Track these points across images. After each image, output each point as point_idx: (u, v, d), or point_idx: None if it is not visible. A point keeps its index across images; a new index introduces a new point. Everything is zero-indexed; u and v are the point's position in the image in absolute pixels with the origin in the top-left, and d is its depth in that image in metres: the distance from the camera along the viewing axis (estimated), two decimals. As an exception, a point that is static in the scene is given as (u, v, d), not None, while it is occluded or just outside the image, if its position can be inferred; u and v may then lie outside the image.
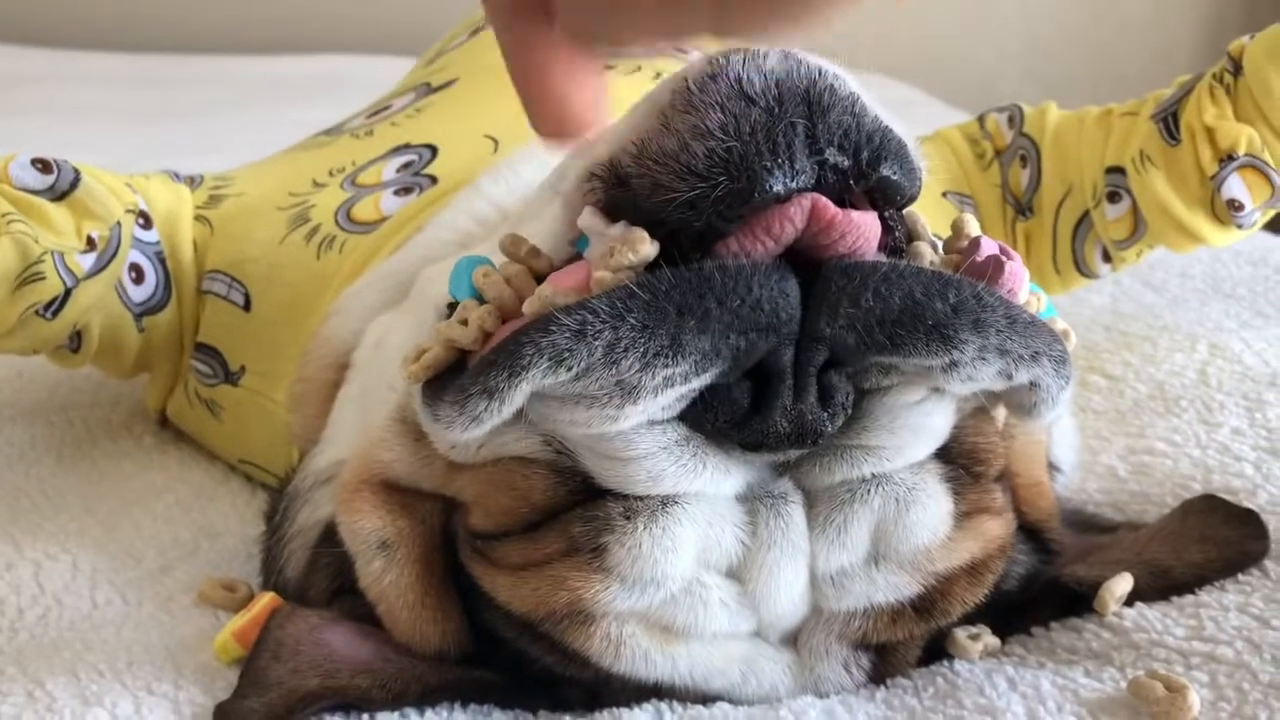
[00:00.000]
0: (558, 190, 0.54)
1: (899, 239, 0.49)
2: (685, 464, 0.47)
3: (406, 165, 0.78)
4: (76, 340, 0.74)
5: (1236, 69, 0.73)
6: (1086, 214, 0.80)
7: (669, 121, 0.46)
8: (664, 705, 0.51)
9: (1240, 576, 0.57)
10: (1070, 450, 0.69)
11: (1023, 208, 0.83)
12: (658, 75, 0.84)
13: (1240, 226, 0.75)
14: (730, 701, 0.52)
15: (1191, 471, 0.68)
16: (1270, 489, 0.64)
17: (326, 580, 0.58)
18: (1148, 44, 2.61)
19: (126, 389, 0.85)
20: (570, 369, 0.44)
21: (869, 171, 0.45)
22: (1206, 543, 0.59)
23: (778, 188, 0.44)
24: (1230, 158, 0.72)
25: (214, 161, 1.39)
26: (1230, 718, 0.46)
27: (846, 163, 0.44)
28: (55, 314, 0.70)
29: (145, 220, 0.76)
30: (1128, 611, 0.56)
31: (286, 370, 0.72)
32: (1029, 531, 0.59)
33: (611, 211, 0.47)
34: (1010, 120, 0.85)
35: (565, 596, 0.48)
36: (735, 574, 0.50)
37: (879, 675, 0.54)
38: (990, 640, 0.55)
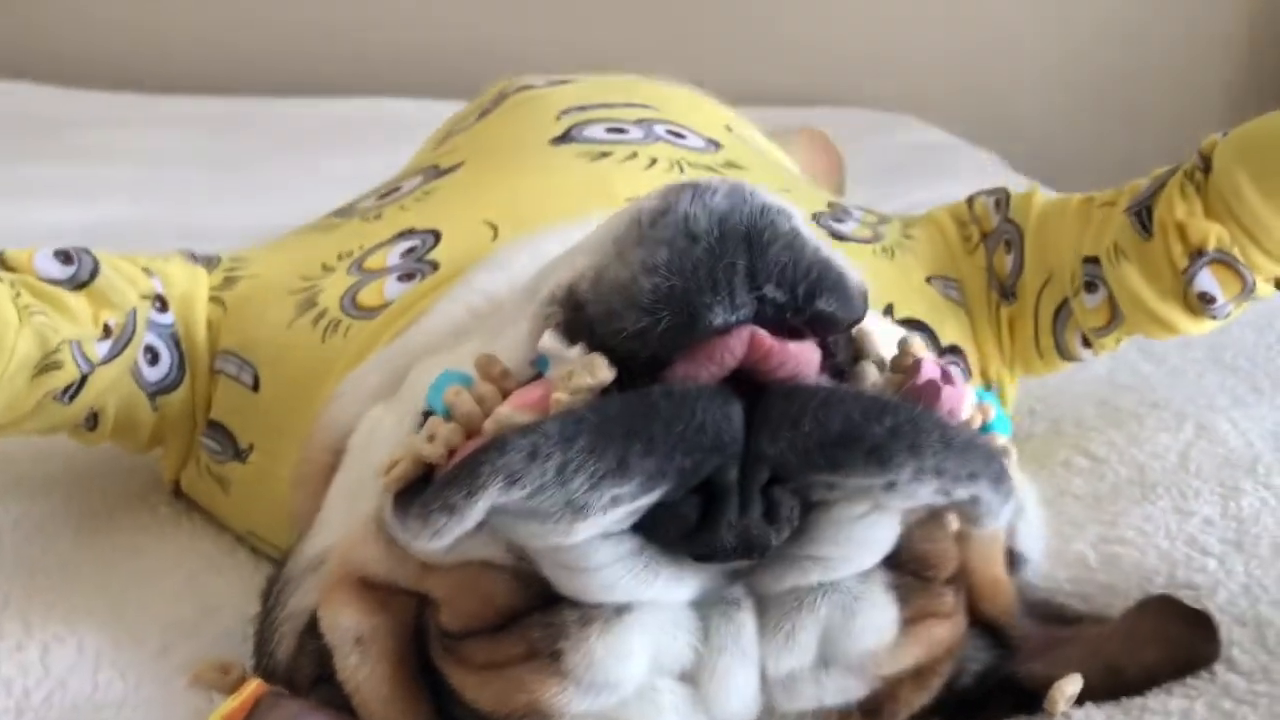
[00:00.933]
0: (531, 299, 0.57)
1: (841, 362, 0.51)
2: (638, 575, 0.50)
3: (410, 250, 0.81)
4: (93, 420, 0.78)
5: (1207, 167, 0.75)
6: (1066, 301, 0.82)
7: (623, 253, 0.49)
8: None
9: (1189, 679, 0.58)
10: (1039, 539, 0.70)
11: (1006, 292, 0.85)
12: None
13: (1214, 318, 0.77)
14: (686, 796, 0.54)
15: (1157, 564, 0.69)
16: (1230, 586, 0.66)
17: (311, 667, 0.61)
18: (1180, 86, 2.61)
19: (143, 460, 0.89)
20: (524, 488, 0.47)
21: (804, 306, 0.48)
22: (1159, 643, 0.61)
23: (717, 322, 0.47)
24: (1200, 253, 0.74)
25: (270, 210, 1.45)
26: (1156, 829, 0.48)
27: (783, 298, 0.47)
28: (72, 398, 0.74)
29: (162, 304, 0.80)
30: (1076, 712, 0.57)
31: (290, 450, 0.75)
32: (987, 627, 0.61)
33: (572, 334, 0.50)
34: (997, 204, 0.88)
35: (524, 698, 0.51)
36: (689, 677, 0.52)
37: (831, 771, 0.56)
38: (942, 737, 0.58)
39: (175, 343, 0.80)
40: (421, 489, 0.51)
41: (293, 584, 0.64)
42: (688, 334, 0.47)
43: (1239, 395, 0.97)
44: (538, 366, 0.51)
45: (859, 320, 0.51)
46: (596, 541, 0.49)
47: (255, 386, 0.79)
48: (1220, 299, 0.75)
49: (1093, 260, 0.80)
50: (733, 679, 0.52)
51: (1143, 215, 0.77)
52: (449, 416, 0.51)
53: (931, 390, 0.50)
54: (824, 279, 0.48)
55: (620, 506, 0.48)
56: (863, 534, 0.51)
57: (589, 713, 0.51)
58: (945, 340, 0.82)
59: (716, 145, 0.92)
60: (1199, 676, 0.59)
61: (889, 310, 0.81)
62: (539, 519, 0.48)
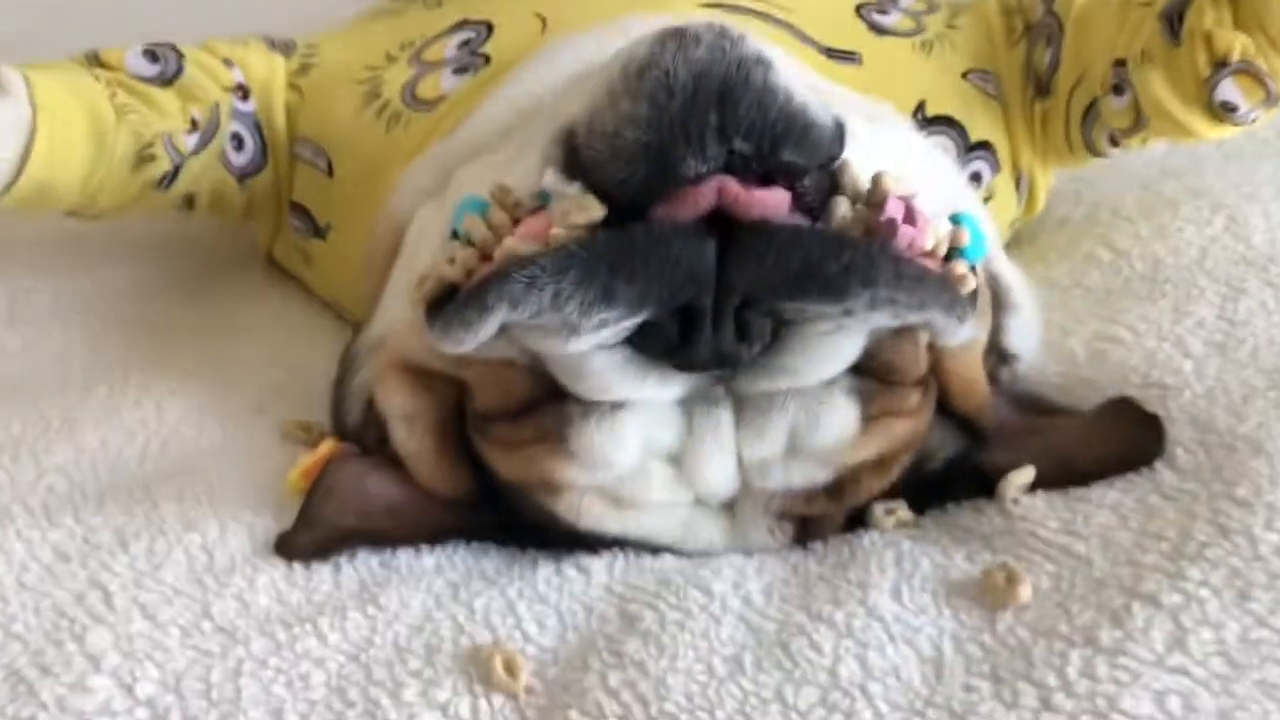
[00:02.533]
0: (551, 122, 0.64)
1: (811, 200, 0.57)
2: (629, 379, 0.59)
3: (465, 43, 0.86)
4: (190, 201, 0.88)
5: (1244, -28, 0.74)
6: (1095, 101, 0.84)
7: (613, 101, 0.55)
8: (619, 553, 0.64)
9: (1132, 475, 0.65)
10: (1032, 336, 0.76)
11: (1042, 88, 0.87)
12: None
13: (1237, 124, 0.78)
14: (676, 553, 0.65)
15: (1138, 364, 0.74)
16: (1197, 388, 0.71)
17: (375, 431, 0.72)
18: None
19: (242, 226, 0.99)
20: (525, 311, 0.55)
21: (770, 156, 0.53)
22: (1111, 440, 0.67)
23: (690, 173, 0.53)
24: (1224, 64, 0.75)
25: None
26: (1053, 607, 0.57)
27: (750, 150, 0.53)
28: (168, 186, 0.84)
29: (244, 93, 0.88)
30: (1025, 499, 0.65)
31: (361, 233, 0.84)
32: (961, 420, 0.69)
33: (570, 171, 0.57)
34: (1044, -6, 0.88)
35: (538, 472, 0.62)
36: (675, 459, 0.62)
37: (801, 538, 0.66)
38: (904, 515, 0.67)
39: (258, 129, 0.89)
40: (447, 300, 0.59)
41: (359, 360, 0.75)
42: (663, 183, 0.53)
43: (1287, 185, 0.96)
44: (541, 200, 0.58)
45: (828, 163, 0.56)
46: (593, 352, 0.58)
47: (329, 172, 0.87)
48: (1243, 107, 0.76)
49: (1122, 63, 0.81)
50: (711, 461, 0.61)
51: (1174, 21, 0.77)
52: (468, 241, 0.59)
53: (890, 227, 0.56)
54: (789, 131, 0.53)
55: (608, 326, 0.56)
56: (827, 348, 0.59)
57: (591, 485, 0.62)
58: (975, 136, 0.85)
59: (765, -71, 0.93)
60: (1140, 473, 0.65)
61: (920, 107, 0.84)
62: (542, 333, 0.57)
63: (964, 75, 0.87)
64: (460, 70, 0.84)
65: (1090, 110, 0.84)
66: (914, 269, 0.56)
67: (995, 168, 0.86)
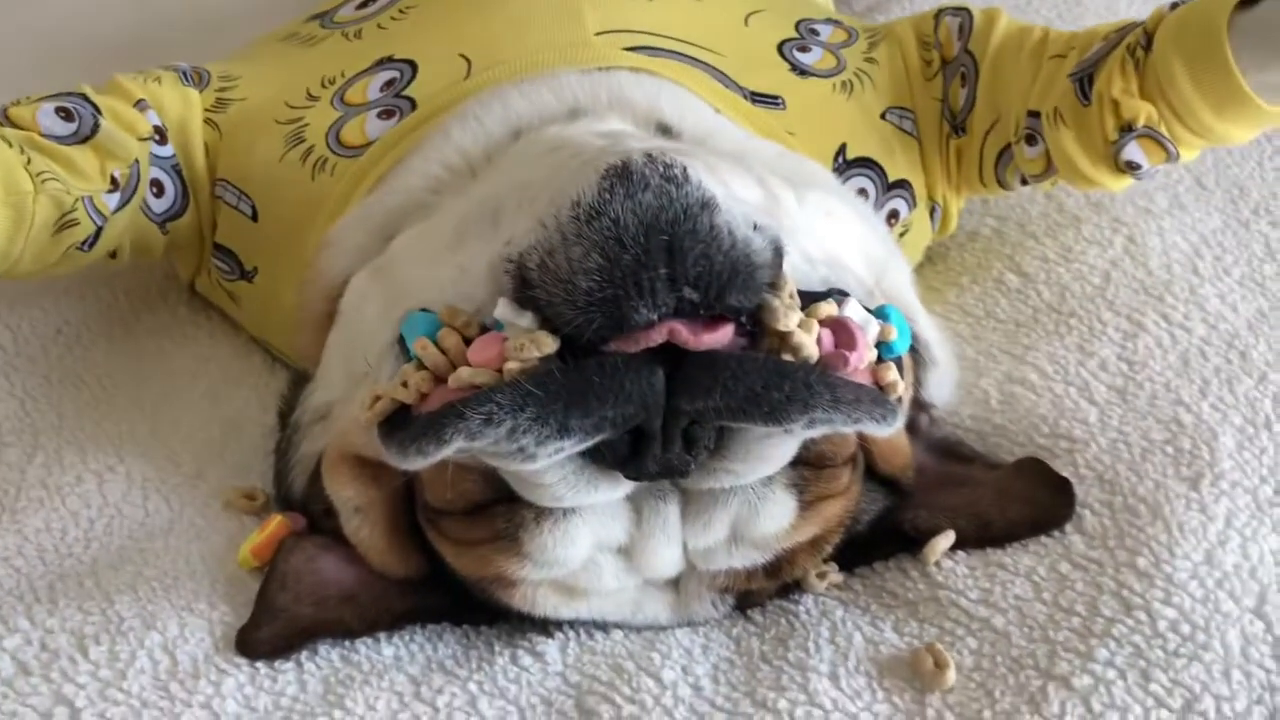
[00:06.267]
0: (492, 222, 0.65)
1: (749, 326, 0.59)
2: (580, 489, 0.61)
3: (389, 83, 0.85)
4: (114, 255, 0.86)
5: (1149, 44, 0.77)
6: (1009, 146, 0.87)
7: (565, 244, 0.56)
8: (570, 633, 0.68)
9: (1044, 538, 0.71)
10: (948, 387, 0.80)
11: (957, 126, 0.89)
12: None
13: (1140, 179, 0.83)
14: (624, 628, 0.69)
15: (1046, 412, 0.79)
16: (1101, 440, 0.76)
17: (321, 503, 0.73)
18: None
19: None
20: (481, 442, 0.57)
21: (716, 303, 0.55)
22: (1025, 503, 0.72)
23: (642, 321, 0.55)
24: (1130, 128, 0.79)
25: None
26: (976, 688, 0.62)
27: (698, 298, 0.55)
28: (91, 246, 0.82)
29: (161, 136, 0.86)
30: (946, 563, 0.70)
31: (291, 276, 0.84)
32: (884, 481, 0.73)
33: (522, 301, 0.58)
34: (960, 29, 0.90)
35: (492, 570, 0.64)
36: (624, 551, 0.65)
37: (741, 606, 0.70)
38: (835, 577, 0.71)
39: (177, 173, 0.87)
40: (401, 420, 0.61)
41: (301, 432, 0.76)
42: (617, 330, 0.55)
43: (1178, 195, 1.01)
44: (493, 327, 0.59)
45: (775, 287, 0.59)
46: (546, 468, 0.60)
47: (254, 217, 0.86)
48: (1145, 166, 0.81)
49: (1035, 114, 0.84)
50: (660, 552, 0.65)
51: (1084, 83, 0.80)
52: (419, 365, 0.60)
53: (835, 359, 0.59)
54: (734, 278, 0.56)
55: (563, 453, 0.58)
56: (767, 452, 0.62)
57: (545, 579, 0.65)
58: (894, 175, 0.88)
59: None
60: (1052, 536, 0.71)
61: (841, 150, 0.86)
62: (497, 456, 0.59)
63: (882, 115, 0.89)
64: (385, 114, 0.84)
65: (1004, 154, 0.88)
66: (848, 391, 0.59)
67: (912, 203, 0.90)
